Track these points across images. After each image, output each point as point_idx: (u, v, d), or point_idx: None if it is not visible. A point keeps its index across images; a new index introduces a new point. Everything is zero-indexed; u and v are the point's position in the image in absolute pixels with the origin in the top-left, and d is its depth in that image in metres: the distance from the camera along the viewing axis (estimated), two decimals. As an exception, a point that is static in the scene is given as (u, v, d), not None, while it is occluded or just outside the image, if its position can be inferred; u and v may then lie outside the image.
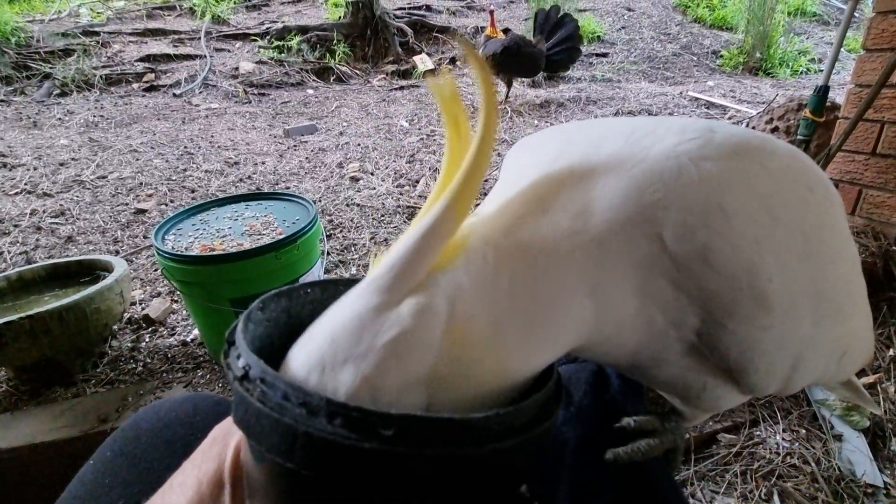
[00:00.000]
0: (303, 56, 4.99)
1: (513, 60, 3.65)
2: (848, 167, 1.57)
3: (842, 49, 1.49)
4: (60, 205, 2.28)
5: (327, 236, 1.99)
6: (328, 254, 1.86)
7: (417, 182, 2.54)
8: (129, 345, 1.43)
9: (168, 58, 4.69)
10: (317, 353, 0.28)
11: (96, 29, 4.80)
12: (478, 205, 0.36)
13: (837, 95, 2.00)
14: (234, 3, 5.67)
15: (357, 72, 5.09)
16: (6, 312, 1.18)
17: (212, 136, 3.31)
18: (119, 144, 3.10)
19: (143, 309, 1.56)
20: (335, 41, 5.13)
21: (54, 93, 4.07)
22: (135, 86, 4.35)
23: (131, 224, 2.15)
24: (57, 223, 2.14)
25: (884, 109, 1.45)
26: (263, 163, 2.86)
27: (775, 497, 1.02)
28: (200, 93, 4.33)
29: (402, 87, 4.69)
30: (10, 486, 1.08)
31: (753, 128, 2.20)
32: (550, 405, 0.31)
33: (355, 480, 0.25)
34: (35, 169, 2.66)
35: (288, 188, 2.51)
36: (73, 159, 2.83)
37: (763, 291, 0.33)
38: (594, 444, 0.47)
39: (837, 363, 0.44)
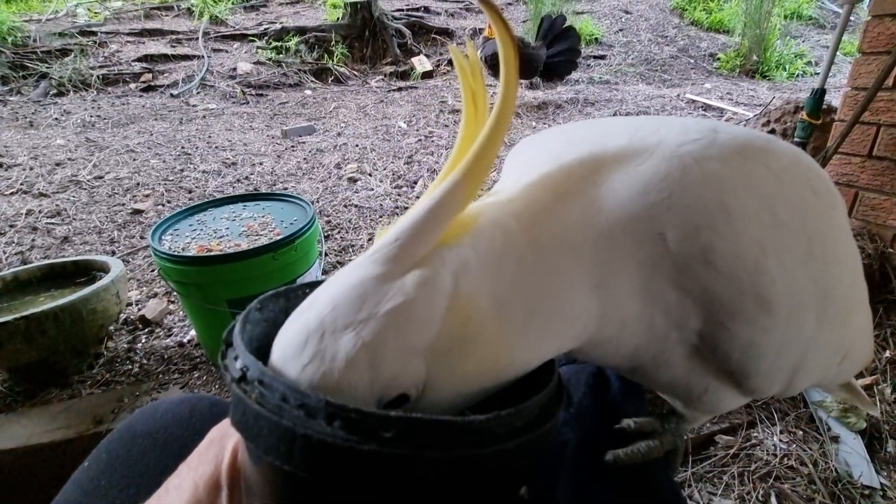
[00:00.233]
0: (301, 57, 4.98)
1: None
2: (844, 169, 1.58)
3: (838, 52, 1.50)
4: (57, 205, 2.27)
5: (325, 237, 1.98)
6: (326, 255, 1.85)
7: (415, 183, 2.53)
8: (126, 346, 1.42)
9: (165, 58, 4.68)
10: (317, 318, 0.28)
11: (93, 29, 4.78)
12: (487, 190, 0.36)
13: (834, 98, 2.01)
14: (232, 3, 5.66)
15: (355, 73, 5.09)
16: (1, 313, 1.17)
17: (209, 137, 3.30)
18: (116, 144, 3.08)
19: (139, 310, 1.55)
20: (333, 42, 5.13)
21: (51, 93, 4.05)
22: (132, 86, 4.33)
23: (128, 224, 2.14)
24: (53, 223, 2.13)
25: (880, 112, 1.46)
26: (261, 163, 2.85)
27: (772, 498, 1.02)
28: (198, 93, 4.32)
29: (400, 89, 4.69)
30: (4, 489, 1.07)
31: (750, 130, 2.20)
32: (552, 406, 0.31)
33: (354, 483, 0.24)
34: (31, 169, 2.64)
35: (286, 189, 2.50)
36: (69, 159, 2.81)
37: (765, 293, 0.33)
38: (594, 446, 0.47)
39: (838, 365, 0.44)
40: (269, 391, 0.26)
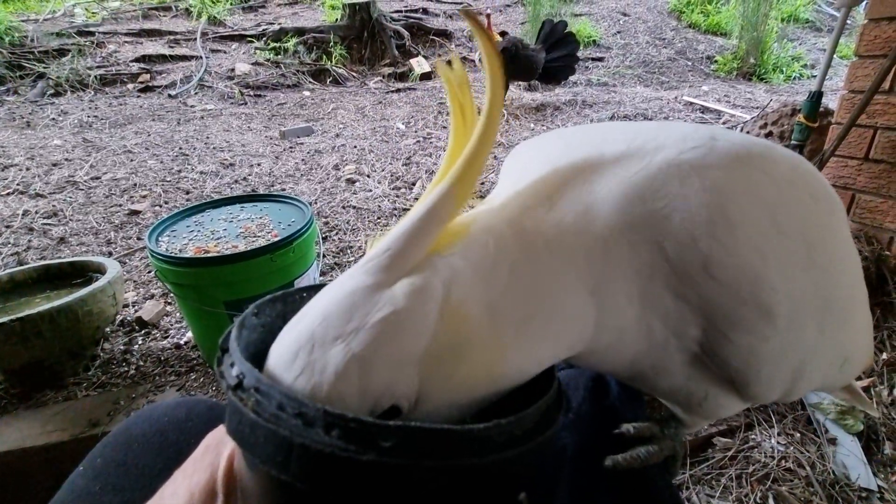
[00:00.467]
0: (299, 58, 4.98)
1: (510, 63, 3.66)
2: (841, 172, 1.58)
3: (834, 55, 1.50)
4: (53, 205, 2.26)
5: (323, 239, 1.98)
6: (324, 256, 1.85)
7: (414, 184, 2.53)
8: (122, 347, 1.41)
9: (163, 58, 4.67)
10: (307, 330, 0.27)
11: (91, 29, 4.76)
12: (481, 197, 0.36)
13: (830, 101, 2.01)
14: (231, 4, 5.65)
15: (353, 74, 5.08)
16: (-4, 315, 1.16)
17: (207, 138, 3.29)
18: (113, 145, 3.07)
19: (136, 311, 1.55)
20: (332, 43, 5.13)
21: (48, 93, 4.04)
22: (130, 86, 4.32)
23: (125, 225, 2.13)
24: (49, 224, 2.12)
25: (876, 115, 1.46)
26: (259, 164, 2.84)
27: (770, 501, 1.02)
28: (196, 94, 4.31)
29: (398, 90, 4.69)
30: (-2, 492, 1.06)
31: (748, 132, 2.21)
32: (552, 414, 0.30)
33: (352, 493, 0.24)
34: (28, 169, 2.63)
35: (283, 190, 2.50)
36: (66, 160, 2.80)
37: (766, 302, 0.33)
38: (593, 451, 0.47)
39: (839, 369, 0.44)
40: (265, 399, 0.26)
